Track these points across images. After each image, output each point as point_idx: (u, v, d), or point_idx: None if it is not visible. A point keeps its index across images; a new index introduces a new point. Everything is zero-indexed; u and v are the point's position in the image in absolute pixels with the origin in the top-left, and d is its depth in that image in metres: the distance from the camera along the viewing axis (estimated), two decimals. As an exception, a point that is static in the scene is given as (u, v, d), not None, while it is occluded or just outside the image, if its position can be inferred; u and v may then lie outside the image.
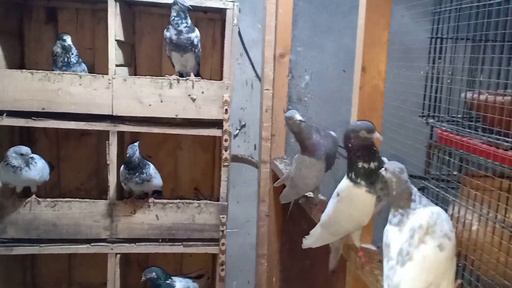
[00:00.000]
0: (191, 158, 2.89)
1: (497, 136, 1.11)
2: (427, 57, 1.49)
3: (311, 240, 1.64)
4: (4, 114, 2.20)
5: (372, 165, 1.36)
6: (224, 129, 2.34)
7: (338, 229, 1.52)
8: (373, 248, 1.62)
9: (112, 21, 2.23)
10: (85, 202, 2.33)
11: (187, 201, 2.42)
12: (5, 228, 2.28)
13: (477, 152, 1.17)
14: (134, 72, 2.69)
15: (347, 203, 1.42)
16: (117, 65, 2.28)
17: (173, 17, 2.24)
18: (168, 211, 2.39)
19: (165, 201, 2.41)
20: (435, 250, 1.07)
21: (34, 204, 2.29)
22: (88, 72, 2.38)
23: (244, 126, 2.94)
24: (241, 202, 2.99)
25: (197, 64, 2.40)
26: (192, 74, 2.33)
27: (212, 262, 2.85)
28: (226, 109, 2.32)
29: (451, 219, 1.21)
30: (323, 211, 1.57)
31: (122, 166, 2.31)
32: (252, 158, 2.98)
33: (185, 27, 2.24)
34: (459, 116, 1.40)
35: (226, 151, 2.37)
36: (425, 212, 1.13)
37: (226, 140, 2.36)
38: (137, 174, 2.28)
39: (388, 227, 1.19)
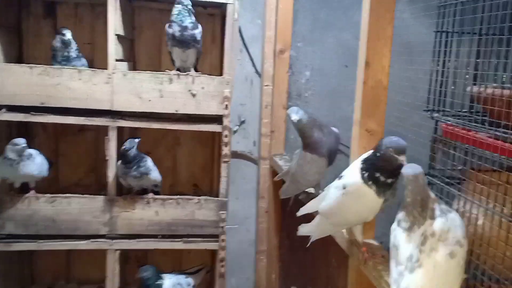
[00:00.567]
0: (190, 154, 2.88)
1: (505, 130, 1.10)
2: (432, 51, 1.48)
3: (309, 228, 1.63)
4: (3, 109, 2.18)
5: (390, 180, 1.34)
6: (224, 125, 2.33)
7: (340, 221, 1.52)
8: (376, 243, 1.62)
9: (112, 16, 2.22)
10: (84, 198, 2.32)
11: (187, 197, 2.41)
12: (3, 224, 2.27)
13: (484, 146, 1.16)
14: (133, 67, 2.67)
15: (354, 198, 1.40)
16: (116, 60, 2.27)
17: (177, 13, 2.22)
18: (168, 207, 2.38)
19: (165, 197, 2.40)
20: (446, 258, 1.06)
21: (32, 199, 2.28)
22: (88, 67, 2.36)
23: (243, 122, 2.92)
24: (240, 198, 2.98)
25: (196, 59, 2.39)
26: (192, 70, 2.32)
27: (211, 259, 2.84)
28: (226, 105, 2.31)
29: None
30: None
31: (119, 160, 2.30)
32: (251, 154, 2.97)
33: (190, 23, 2.23)
34: (464, 110, 1.39)
35: (226, 147, 2.36)
36: (439, 220, 1.09)
37: (226, 136, 2.35)
38: (134, 168, 2.27)
39: (396, 227, 1.16)
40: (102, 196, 2.34)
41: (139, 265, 2.61)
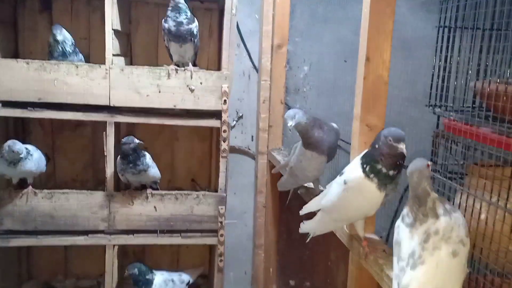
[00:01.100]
0: (187, 149, 2.87)
1: (509, 125, 1.11)
2: (434, 46, 1.48)
3: (311, 225, 1.63)
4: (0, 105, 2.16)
5: (391, 172, 1.33)
6: (223, 120, 2.32)
7: (342, 216, 1.52)
8: (376, 238, 1.62)
9: (109, 10, 2.20)
10: (82, 193, 2.31)
11: (186, 192, 2.40)
12: (1, 220, 2.26)
13: (487, 141, 1.17)
14: (130, 62, 2.66)
15: (355, 193, 1.40)
16: (113, 55, 2.25)
17: (171, 9, 2.21)
18: (166, 202, 2.37)
19: (163, 192, 2.39)
20: (448, 257, 1.06)
21: (30, 195, 2.27)
22: (84, 62, 2.35)
23: (241, 117, 2.92)
24: (238, 193, 2.99)
25: (195, 54, 2.38)
26: (190, 64, 2.31)
27: (209, 254, 2.84)
28: (225, 100, 2.30)
29: (459, 208, 1.21)
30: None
31: (119, 156, 2.29)
32: (249, 149, 2.97)
33: (185, 18, 2.22)
34: (467, 106, 1.40)
35: (224, 142, 2.36)
36: (443, 218, 1.09)
37: (224, 131, 2.34)
38: (132, 164, 2.26)
39: (400, 224, 1.17)
40: (100, 191, 2.33)
41: (137, 260, 2.62)
